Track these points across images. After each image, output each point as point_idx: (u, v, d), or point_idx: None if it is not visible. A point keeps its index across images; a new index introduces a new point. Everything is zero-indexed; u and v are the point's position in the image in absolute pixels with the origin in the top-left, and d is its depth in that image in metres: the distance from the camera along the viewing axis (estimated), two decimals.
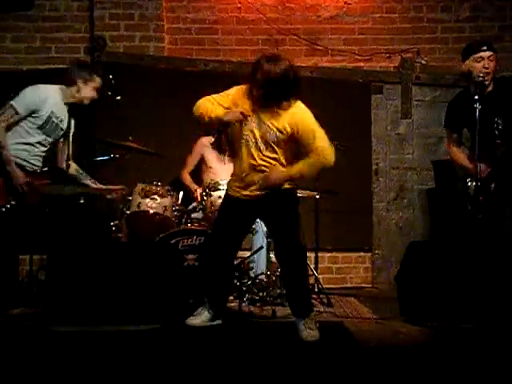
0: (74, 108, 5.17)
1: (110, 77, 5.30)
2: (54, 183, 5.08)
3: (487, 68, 4.85)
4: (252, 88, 4.35)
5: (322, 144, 4.36)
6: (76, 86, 5.08)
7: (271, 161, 4.42)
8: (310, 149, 4.37)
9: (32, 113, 4.94)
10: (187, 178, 6.09)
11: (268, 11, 6.74)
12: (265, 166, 4.42)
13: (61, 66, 6.43)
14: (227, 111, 4.42)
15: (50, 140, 5.09)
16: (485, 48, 4.90)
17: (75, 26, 6.67)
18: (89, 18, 6.66)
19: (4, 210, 4.82)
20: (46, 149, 5.10)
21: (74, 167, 5.25)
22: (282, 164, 4.44)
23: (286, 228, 4.49)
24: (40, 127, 4.99)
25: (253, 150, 4.41)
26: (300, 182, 4.79)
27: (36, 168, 5.03)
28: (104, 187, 5.33)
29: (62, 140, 5.21)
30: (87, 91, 5.10)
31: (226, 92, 4.50)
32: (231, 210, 4.60)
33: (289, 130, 4.36)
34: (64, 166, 5.19)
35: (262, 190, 4.44)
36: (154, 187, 5.39)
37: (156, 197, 5.43)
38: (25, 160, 4.98)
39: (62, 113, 5.11)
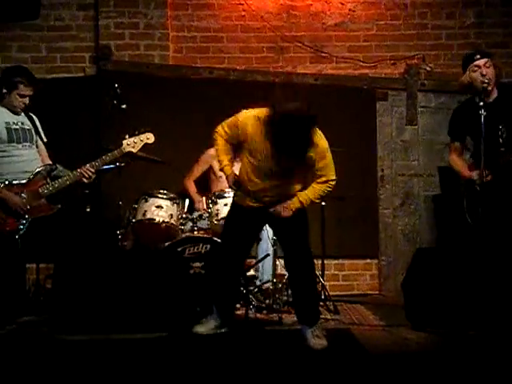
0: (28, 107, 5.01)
1: (116, 85, 5.30)
2: (52, 180, 4.94)
3: (485, 75, 4.85)
4: (273, 118, 4.21)
5: (333, 177, 4.43)
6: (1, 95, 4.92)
7: (283, 184, 4.42)
8: (320, 176, 4.41)
9: None
10: (192, 187, 6.07)
11: (272, 19, 6.75)
12: (276, 185, 4.42)
13: (66, 76, 6.45)
14: (229, 173, 4.54)
15: (28, 143, 4.97)
16: (478, 56, 4.92)
17: (80, 35, 6.69)
18: (94, 28, 6.66)
19: (21, 232, 4.78)
20: (33, 150, 4.99)
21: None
22: (294, 188, 4.45)
23: (295, 235, 4.51)
24: (9, 140, 4.86)
25: (264, 175, 4.40)
26: None
27: (30, 174, 4.89)
28: (78, 171, 4.98)
29: (38, 139, 5.07)
30: (12, 99, 4.91)
31: (234, 121, 4.44)
32: (239, 217, 4.61)
33: (308, 158, 4.33)
34: (50, 161, 5.05)
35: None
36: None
37: (162, 205, 5.44)
38: (20, 172, 4.87)
39: (17, 117, 4.97)
